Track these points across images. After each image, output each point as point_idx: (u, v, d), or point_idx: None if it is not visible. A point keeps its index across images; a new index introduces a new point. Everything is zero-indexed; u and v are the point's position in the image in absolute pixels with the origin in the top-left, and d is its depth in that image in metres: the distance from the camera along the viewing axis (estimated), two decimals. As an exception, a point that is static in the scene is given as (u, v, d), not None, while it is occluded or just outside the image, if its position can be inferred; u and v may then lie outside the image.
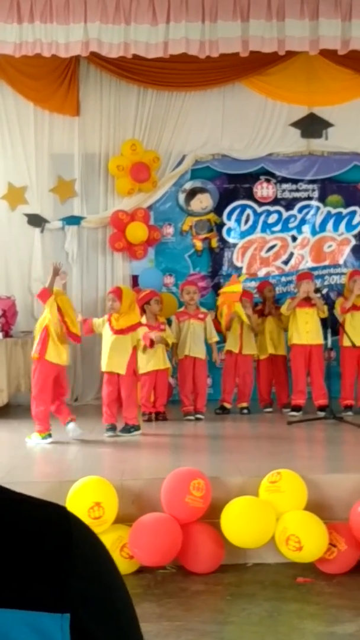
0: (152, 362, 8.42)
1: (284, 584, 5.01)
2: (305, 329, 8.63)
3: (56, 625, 0.67)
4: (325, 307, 8.53)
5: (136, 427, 7.61)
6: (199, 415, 8.55)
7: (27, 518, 0.72)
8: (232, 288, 8.86)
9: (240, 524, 5.14)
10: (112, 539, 5.06)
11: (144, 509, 5.26)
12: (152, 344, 8.16)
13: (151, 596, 4.78)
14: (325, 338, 8.59)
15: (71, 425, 7.37)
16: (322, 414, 8.34)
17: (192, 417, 8.52)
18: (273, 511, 5.18)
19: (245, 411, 8.90)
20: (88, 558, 0.72)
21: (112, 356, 7.56)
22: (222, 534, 5.18)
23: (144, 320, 8.42)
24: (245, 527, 5.14)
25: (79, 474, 5.54)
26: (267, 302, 9.26)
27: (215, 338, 8.77)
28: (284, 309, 8.80)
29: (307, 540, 5.02)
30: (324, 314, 8.56)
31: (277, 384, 9.20)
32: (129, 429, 7.58)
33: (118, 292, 7.68)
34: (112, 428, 7.58)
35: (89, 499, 5.11)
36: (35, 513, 0.73)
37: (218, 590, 4.94)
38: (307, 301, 8.63)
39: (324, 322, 8.70)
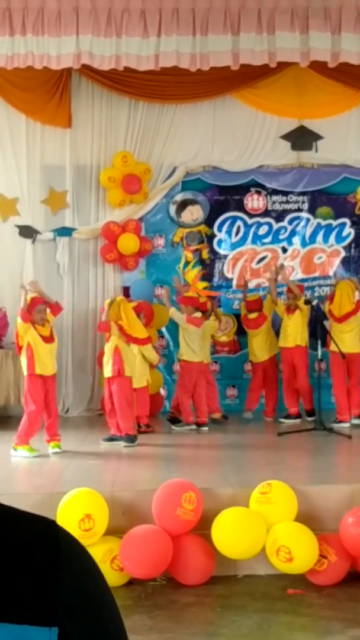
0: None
1: (274, 595, 5.02)
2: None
3: (44, 639, 0.68)
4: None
5: (135, 437, 7.76)
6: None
7: (16, 531, 0.72)
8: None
9: (231, 535, 5.14)
10: (102, 551, 5.05)
11: (135, 521, 5.26)
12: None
13: (141, 608, 4.77)
14: (315, 349, 8.63)
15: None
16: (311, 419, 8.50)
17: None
18: (263, 522, 5.18)
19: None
20: (76, 572, 0.73)
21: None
22: (212, 545, 5.18)
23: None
24: (235, 539, 5.14)
25: (70, 485, 5.53)
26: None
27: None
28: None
29: (297, 551, 5.03)
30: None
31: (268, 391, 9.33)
32: (130, 438, 7.71)
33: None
34: (112, 438, 7.76)
35: (79, 511, 5.11)
36: (24, 526, 0.73)
37: (208, 602, 4.94)
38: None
39: (313, 333, 8.82)
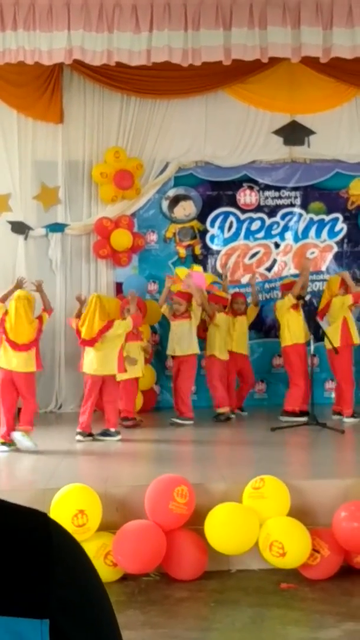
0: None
1: (267, 590, 5.03)
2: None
3: (36, 631, 0.68)
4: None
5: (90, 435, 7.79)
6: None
7: (7, 524, 0.72)
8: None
9: (224, 530, 5.15)
10: (96, 547, 5.05)
11: (128, 516, 5.26)
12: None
13: (135, 603, 4.78)
14: (309, 344, 8.64)
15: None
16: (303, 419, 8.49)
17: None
18: (256, 517, 5.19)
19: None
20: (68, 564, 0.73)
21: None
22: (205, 540, 5.19)
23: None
24: (228, 534, 5.15)
25: (63, 481, 5.53)
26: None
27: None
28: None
29: (290, 546, 5.04)
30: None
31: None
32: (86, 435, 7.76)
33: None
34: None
35: (72, 507, 5.11)
36: (15, 519, 0.73)
37: (202, 597, 4.94)
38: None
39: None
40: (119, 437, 7.75)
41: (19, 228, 9.85)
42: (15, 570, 0.70)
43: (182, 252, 10.19)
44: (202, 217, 10.19)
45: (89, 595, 0.74)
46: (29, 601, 0.69)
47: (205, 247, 10.23)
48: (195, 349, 8.68)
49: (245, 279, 10.14)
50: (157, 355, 9.64)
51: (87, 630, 0.72)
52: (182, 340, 8.69)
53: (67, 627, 0.70)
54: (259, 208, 10.25)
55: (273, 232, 10.29)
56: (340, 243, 10.36)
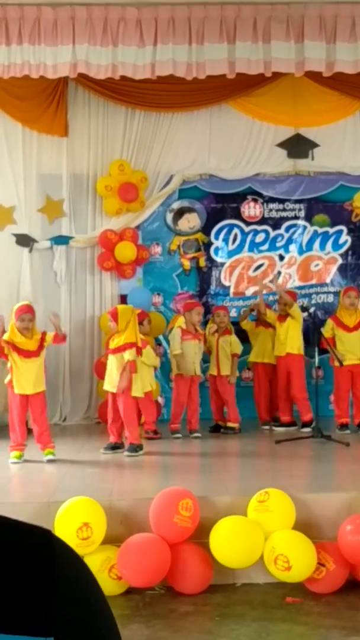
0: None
1: (272, 604, 5.00)
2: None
3: None
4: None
5: (140, 447, 7.59)
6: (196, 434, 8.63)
7: (11, 542, 0.72)
8: None
9: (229, 544, 5.13)
10: (100, 560, 5.04)
11: (132, 530, 5.25)
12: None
13: (139, 617, 4.75)
14: (313, 356, 8.63)
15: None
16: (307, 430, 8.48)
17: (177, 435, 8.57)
18: (261, 531, 5.17)
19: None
20: (72, 582, 0.73)
21: (109, 375, 7.65)
22: (210, 554, 5.17)
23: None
24: (233, 547, 5.13)
25: (67, 494, 5.52)
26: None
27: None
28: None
29: (295, 560, 5.01)
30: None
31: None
32: (134, 448, 7.54)
33: (114, 313, 7.70)
34: (113, 447, 7.64)
35: (77, 520, 5.09)
36: (19, 537, 0.73)
37: (207, 610, 4.92)
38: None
39: (309, 339, 8.84)
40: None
41: (24, 241, 9.88)
42: (19, 587, 0.69)
43: (187, 264, 10.21)
44: (206, 229, 10.21)
45: (93, 612, 0.74)
46: (33, 619, 0.68)
47: (209, 259, 10.24)
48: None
49: (249, 292, 10.15)
50: (162, 368, 9.62)
51: None
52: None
53: None
54: (263, 220, 10.26)
55: (277, 245, 10.30)
56: (344, 255, 10.36)
